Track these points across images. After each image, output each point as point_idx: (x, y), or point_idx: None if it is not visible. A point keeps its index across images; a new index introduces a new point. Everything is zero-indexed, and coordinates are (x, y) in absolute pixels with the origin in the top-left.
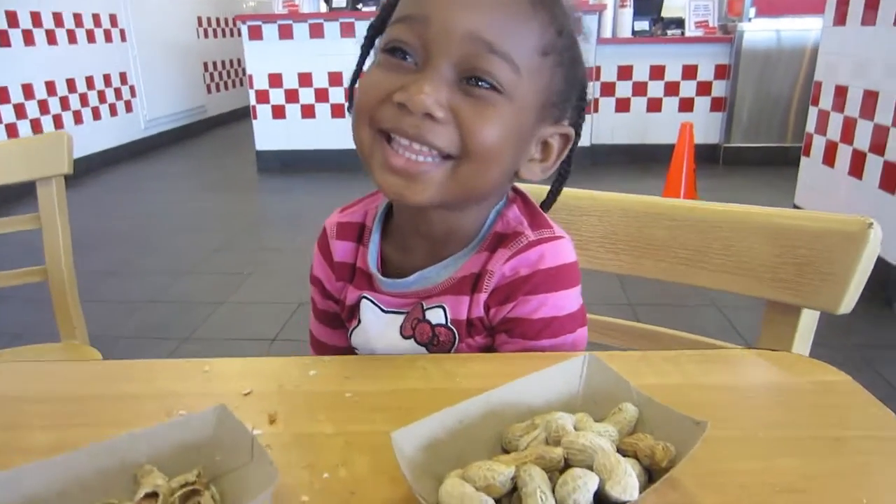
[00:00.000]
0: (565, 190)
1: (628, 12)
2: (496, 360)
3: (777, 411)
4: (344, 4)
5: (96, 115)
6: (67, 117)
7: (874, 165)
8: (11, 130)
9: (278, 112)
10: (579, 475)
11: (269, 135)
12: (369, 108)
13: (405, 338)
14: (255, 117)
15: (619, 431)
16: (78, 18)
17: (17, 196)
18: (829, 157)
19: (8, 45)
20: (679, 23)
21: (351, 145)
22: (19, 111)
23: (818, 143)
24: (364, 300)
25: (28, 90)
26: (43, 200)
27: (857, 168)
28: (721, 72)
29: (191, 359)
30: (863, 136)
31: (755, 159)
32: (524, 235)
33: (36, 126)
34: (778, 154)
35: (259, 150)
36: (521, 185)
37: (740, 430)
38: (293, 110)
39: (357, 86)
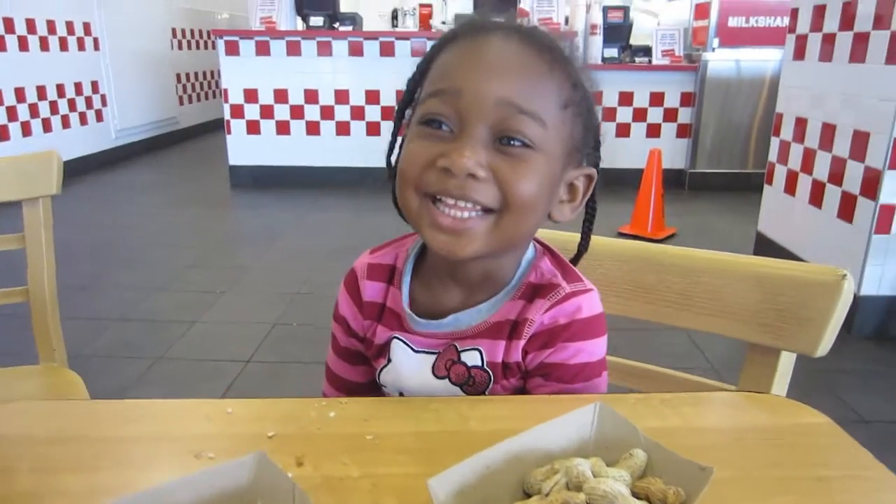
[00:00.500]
0: (561, 234)
1: (598, 40)
2: (506, 403)
3: (766, 452)
4: (321, 23)
5: (66, 123)
6: (36, 124)
7: (832, 195)
8: None
9: (253, 127)
10: None
11: (243, 150)
12: (414, 176)
13: (438, 377)
14: (230, 132)
15: (631, 475)
16: (51, 25)
17: None
18: (791, 187)
19: None
20: (647, 51)
21: (324, 162)
22: None
23: (780, 172)
24: (395, 340)
25: None
26: (29, 220)
27: (816, 197)
28: (686, 99)
29: (212, 399)
30: (821, 166)
31: (719, 184)
32: (561, 287)
33: (3, 132)
34: (740, 179)
35: (232, 165)
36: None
37: (736, 471)
38: (268, 126)
39: (396, 156)
